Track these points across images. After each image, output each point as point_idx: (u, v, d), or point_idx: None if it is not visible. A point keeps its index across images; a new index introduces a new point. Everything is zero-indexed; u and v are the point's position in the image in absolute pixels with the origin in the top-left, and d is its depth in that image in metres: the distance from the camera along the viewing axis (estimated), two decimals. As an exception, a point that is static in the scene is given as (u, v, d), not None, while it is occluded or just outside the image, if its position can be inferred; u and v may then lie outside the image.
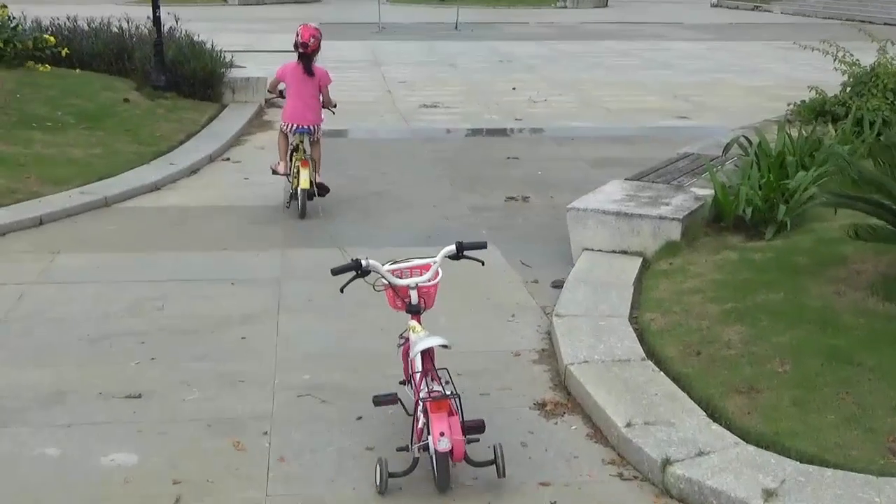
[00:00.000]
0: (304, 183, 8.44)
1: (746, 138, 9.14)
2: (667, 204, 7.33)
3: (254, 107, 14.52)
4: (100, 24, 16.09)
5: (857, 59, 12.19)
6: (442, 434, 3.93)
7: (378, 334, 5.72)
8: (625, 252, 7.08)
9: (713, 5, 56.38)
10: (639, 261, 6.89)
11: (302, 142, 8.72)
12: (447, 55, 23.96)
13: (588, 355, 5.25)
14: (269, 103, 14.93)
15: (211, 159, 10.97)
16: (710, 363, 5.06)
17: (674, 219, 6.97)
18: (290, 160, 8.74)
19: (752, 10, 50.98)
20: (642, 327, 5.68)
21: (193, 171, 10.42)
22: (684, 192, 7.74)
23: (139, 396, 5.01)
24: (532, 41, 29.20)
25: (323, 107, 8.80)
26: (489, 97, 16.58)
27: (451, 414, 4.03)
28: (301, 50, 8.52)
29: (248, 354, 5.63)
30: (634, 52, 25.57)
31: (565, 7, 51.58)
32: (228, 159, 11.10)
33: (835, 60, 11.95)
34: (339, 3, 57.31)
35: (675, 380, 4.94)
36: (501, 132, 13.34)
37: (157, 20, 14.20)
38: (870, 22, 40.45)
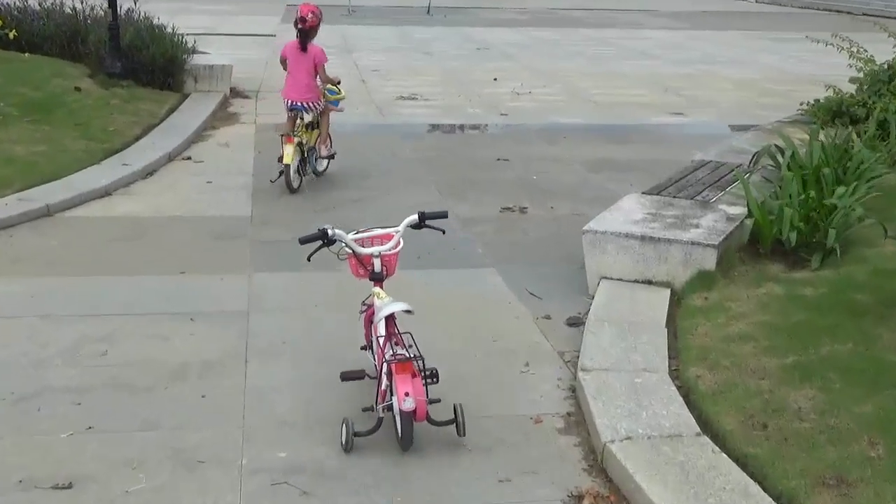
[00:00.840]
0: (286, 158, 8.47)
1: (778, 147, 8.19)
2: (696, 225, 6.37)
3: (218, 97, 13.41)
4: (52, 4, 14.85)
5: (872, 55, 11.26)
6: (406, 394, 4.09)
7: (366, 387, 4.70)
8: (649, 282, 6.12)
9: (686, -7, 55.47)
10: (667, 293, 5.94)
11: (300, 119, 8.84)
12: (421, 42, 22.88)
13: (629, 428, 4.28)
14: (234, 93, 13.86)
15: (170, 158, 9.87)
16: (781, 441, 4.11)
17: (708, 245, 6.01)
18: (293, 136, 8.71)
19: (728, -2, 50.07)
20: (688, 386, 4.72)
21: (150, 172, 9.31)
22: (713, 210, 6.78)
23: (69, 486, 3.97)
24: (507, 27, 28.19)
25: (325, 83, 8.91)
26: (469, 88, 15.56)
27: (414, 375, 4.17)
28: (299, 25, 8.54)
29: (210, 420, 4.60)
30: (613, 41, 24.65)
31: (540, -8, 50.37)
32: (189, 158, 9.99)
33: (850, 57, 10.98)
34: (305, -15, 56.01)
35: (742, 464, 3.99)
36: (486, 128, 12.32)
37: (111, 2, 12.99)
38: (848, 12, 39.89)
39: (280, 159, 8.57)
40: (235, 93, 14.29)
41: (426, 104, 13.97)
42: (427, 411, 4.22)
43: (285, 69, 8.90)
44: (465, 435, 4.35)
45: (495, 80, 16.69)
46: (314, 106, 8.84)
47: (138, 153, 9.74)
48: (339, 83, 9.13)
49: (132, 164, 9.23)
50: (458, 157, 10.41)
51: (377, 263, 4.58)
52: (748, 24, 31.44)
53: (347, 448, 4.30)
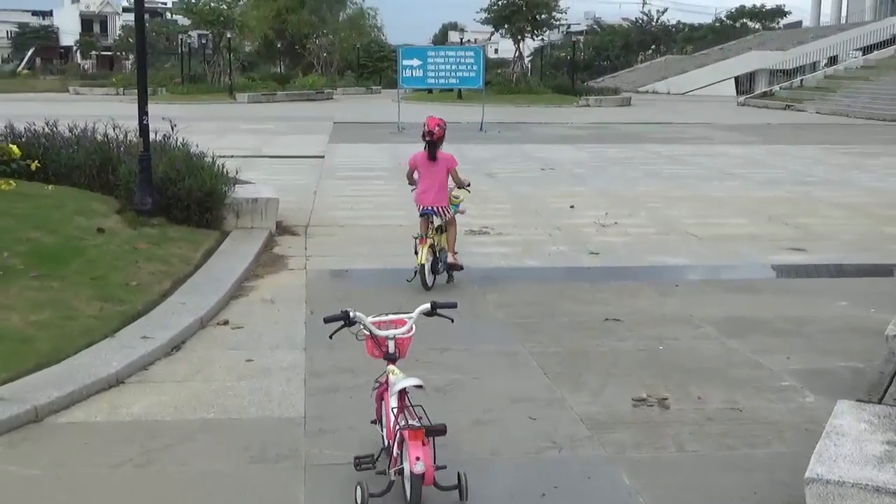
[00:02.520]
0: (421, 258, 9.11)
1: None
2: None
3: (262, 235, 11.61)
4: (83, 128, 13.31)
5: None
6: (417, 458, 4.50)
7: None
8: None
9: (740, 104, 54.29)
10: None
11: (431, 223, 9.35)
12: (480, 162, 21.19)
13: None
14: (281, 229, 12.07)
15: (202, 324, 7.95)
16: None
17: None
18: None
19: (784, 108, 48.77)
20: None
21: (176, 346, 7.38)
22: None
23: None
24: (566, 144, 26.60)
25: (458, 187, 9.45)
26: (545, 219, 13.67)
27: (424, 444, 4.57)
28: (428, 138, 9.18)
29: None
30: (685, 158, 22.84)
31: (588, 106, 49.54)
32: (227, 323, 8.07)
33: None
34: (350, 101, 55.30)
35: None
36: (580, 273, 10.33)
37: (143, 129, 11.36)
38: (919, 123, 37.97)
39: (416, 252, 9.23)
40: (282, 228, 12.52)
41: (500, 239, 12.07)
42: (434, 476, 4.57)
43: (409, 180, 9.70)
44: (467, 500, 4.73)
45: (572, 207, 14.84)
46: (445, 211, 9.33)
47: (163, 318, 7.82)
48: (469, 185, 9.71)
49: (154, 336, 7.31)
50: (556, 317, 8.40)
51: (391, 345, 5.03)
52: (821, 138, 29.60)
53: None
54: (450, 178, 9.31)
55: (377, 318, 5.10)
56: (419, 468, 4.48)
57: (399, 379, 4.84)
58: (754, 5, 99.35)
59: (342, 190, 16.62)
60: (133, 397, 6.27)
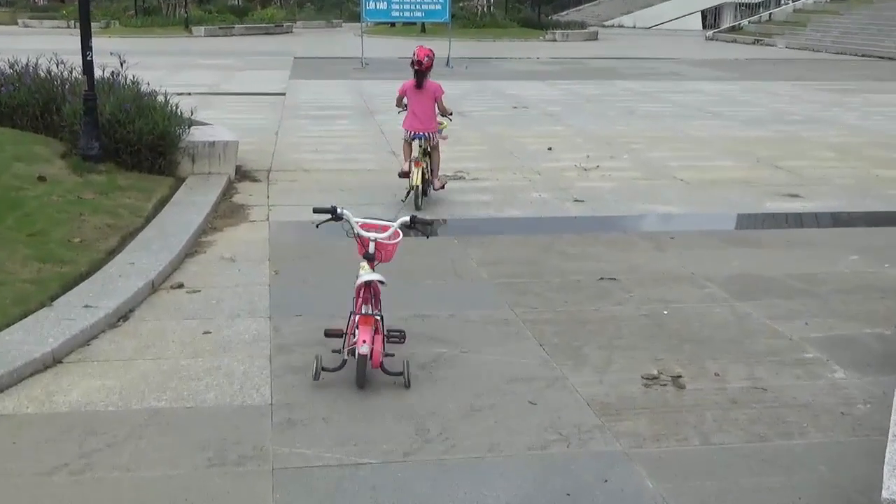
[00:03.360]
0: (415, 180, 9.68)
1: None
2: None
3: (220, 182, 10.70)
4: (24, 64, 12.22)
5: None
6: (364, 342, 5.15)
7: None
8: None
9: (708, 39, 53.42)
10: None
11: (421, 147, 9.81)
12: (449, 99, 20.05)
13: None
14: (241, 175, 11.15)
15: (153, 288, 7.09)
16: None
17: None
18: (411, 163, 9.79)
19: (753, 43, 47.98)
20: None
21: (122, 316, 6.51)
22: None
23: None
24: (538, 80, 25.67)
25: (441, 115, 9.99)
26: (523, 161, 12.85)
27: (376, 332, 5.25)
28: (416, 67, 9.66)
29: None
30: (661, 95, 22.04)
31: (555, 40, 48.41)
32: (181, 286, 7.21)
33: None
34: (311, 35, 53.69)
35: None
36: (567, 224, 9.55)
37: (87, 66, 10.32)
38: (889, 58, 37.40)
39: (402, 175, 10.00)
40: (242, 174, 11.60)
41: (478, 186, 11.24)
42: (382, 362, 5.28)
43: (399, 105, 10.13)
44: (409, 387, 5.31)
45: (550, 149, 14.02)
46: (432, 136, 9.92)
47: (109, 282, 6.94)
48: (451, 114, 10.26)
49: (98, 305, 6.43)
50: (546, 276, 7.63)
51: (371, 246, 5.50)
52: (796, 74, 28.88)
53: (316, 377, 5.32)
54: (436, 105, 9.87)
55: (365, 221, 5.64)
56: (364, 350, 5.15)
57: (364, 274, 5.42)
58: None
59: (306, 130, 15.67)
60: (72, 381, 5.43)
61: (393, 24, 46.30)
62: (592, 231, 9.22)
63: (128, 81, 12.05)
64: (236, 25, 52.67)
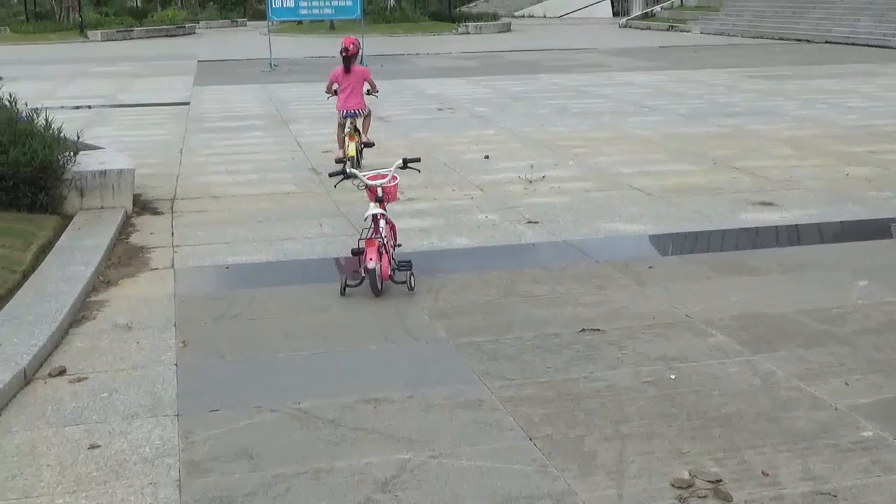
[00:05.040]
0: (350, 151, 11.23)
1: None
2: None
3: (116, 218, 9.15)
4: None
5: None
6: (370, 259, 6.63)
7: None
8: None
9: (622, 26, 52.92)
10: None
11: (354, 123, 11.38)
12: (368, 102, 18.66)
13: None
14: (139, 206, 9.58)
15: (26, 378, 5.53)
16: None
17: None
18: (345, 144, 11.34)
19: (668, 30, 47.53)
20: None
21: (-18, 424, 4.94)
22: None
23: None
24: (458, 77, 24.43)
25: (367, 93, 11.71)
26: (460, 174, 11.52)
27: (380, 253, 6.72)
28: (344, 54, 11.29)
29: None
30: (589, 90, 20.97)
31: (468, 33, 47.32)
32: (63, 372, 5.68)
33: None
34: (215, 35, 51.67)
35: None
36: (526, 254, 8.23)
37: (-55, 89, 8.61)
38: (807, 41, 37.05)
39: (338, 160, 11.28)
40: (142, 205, 10.05)
41: (414, 208, 9.87)
42: (391, 275, 6.87)
43: (328, 91, 11.75)
44: (413, 290, 6.90)
45: (487, 158, 12.72)
46: (362, 111, 11.53)
47: (-33, 373, 5.35)
48: (378, 92, 12.05)
49: (-52, 413, 4.85)
50: (516, 329, 6.31)
51: (379, 191, 7.01)
52: (722, 62, 28.17)
53: (342, 292, 6.89)
54: (365, 84, 11.60)
55: (369, 174, 7.20)
56: (371, 265, 6.61)
57: (371, 208, 6.90)
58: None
59: (213, 146, 14.08)
60: None
61: (300, 22, 44.54)
62: (557, 262, 7.91)
63: (3, 101, 10.34)
64: (135, 28, 50.38)
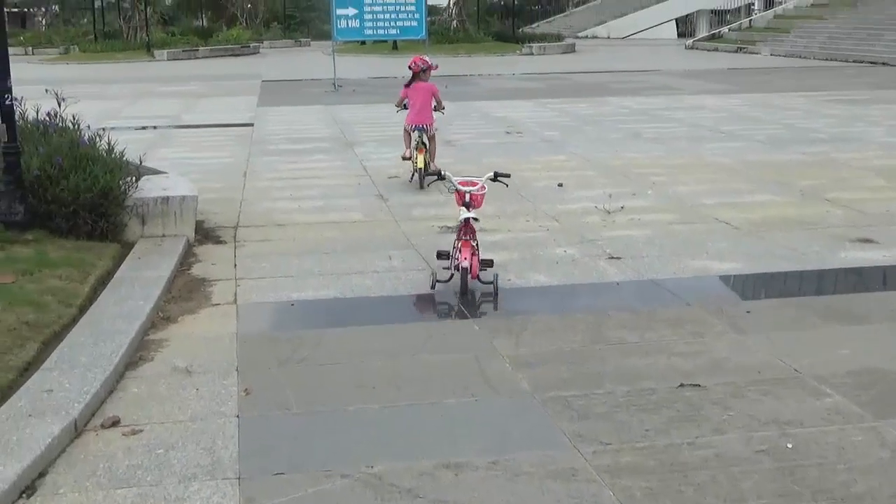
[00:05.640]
0: (419, 163, 11.59)
1: None
2: None
3: (177, 246, 8.78)
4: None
5: None
6: (465, 258, 7.22)
7: None
8: None
9: (688, 47, 51.99)
10: None
11: (421, 136, 11.73)
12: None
13: None
14: (201, 234, 9.19)
15: (77, 429, 5.08)
16: None
17: None
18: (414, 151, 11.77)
19: (736, 52, 46.50)
20: None
21: (27, 488, 4.52)
22: None
23: None
24: (525, 100, 23.91)
25: (435, 109, 12.10)
26: (534, 203, 10.99)
27: (472, 253, 7.30)
28: (413, 69, 11.98)
29: None
30: (663, 113, 20.28)
31: (532, 54, 46.75)
32: (117, 423, 5.25)
33: None
34: (278, 55, 51.79)
35: None
36: (611, 294, 7.69)
37: (6, 113, 8.32)
38: (883, 63, 35.93)
39: (404, 158, 12.12)
40: (204, 233, 9.67)
41: (488, 239, 9.31)
42: (478, 274, 7.39)
43: (398, 105, 12.28)
44: (497, 294, 7.35)
45: (561, 185, 12.16)
46: (430, 128, 11.87)
47: (14, 426, 4.97)
48: (444, 109, 12.48)
49: (-8, 471, 4.42)
50: (607, 382, 5.77)
51: (467, 196, 7.53)
52: (795, 84, 27.30)
53: (432, 287, 7.47)
54: (433, 100, 12.00)
55: (461, 179, 7.76)
56: (465, 264, 7.24)
57: (463, 213, 7.45)
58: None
59: (278, 170, 13.72)
60: None
61: (363, 42, 44.42)
62: (645, 304, 7.32)
63: (67, 123, 10.06)
64: (200, 48, 50.70)
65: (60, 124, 10.06)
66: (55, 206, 8.69)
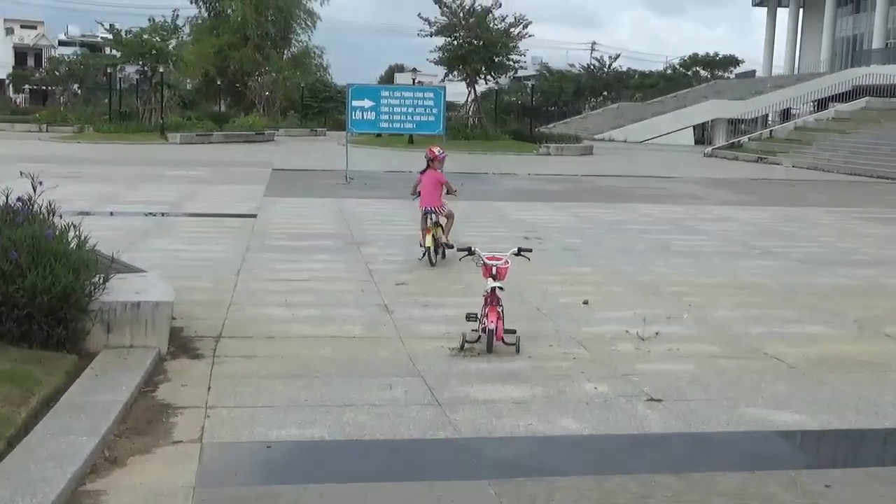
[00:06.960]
0: (427, 242, 12.51)
1: None
2: None
3: (145, 360, 7.54)
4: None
5: None
6: (491, 321, 8.24)
7: None
8: None
9: (707, 155, 51.36)
10: None
11: (433, 219, 12.61)
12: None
13: None
14: (176, 344, 7.91)
15: None
16: None
17: None
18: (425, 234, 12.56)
19: (757, 161, 45.73)
20: None
21: None
22: None
23: None
24: (544, 202, 22.89)
25: (447, 193, 13.13)
26: (557, 323, 9.75)
27: (498, 317, 8.31)
28: (429, 157, 13.05)
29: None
30: (688, 224, 19.18)
31: (549, 154, 46.09)
32: None
33: None
34: (293, 143, 51.29)
35: None
36: (653, 451, 6.38)
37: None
38: (910, 180, 34.95)
39: (422, 246, 12.75)
40: (180, 343, 8.42)
41: (504, 368, 8.10)
42: (503, 337, 8.35)
43: (413, 192, 13.31)
44: (519, 352, 8.32)
45: (586, 303, 10.88)
46: (441, 210, 12.87)
47: None
48: (456, 191, 13.49)
49: None
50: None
51: (493, 270, 8.54)
52: (823, 199, 26.37)
53: (462, 347, 8.35)
54: (444, 187, 12.96)
55: (488, 255, 8.76)
56: (491, 326, 8.25)
57: (490, 282, 8.49)
58: (707, 53, 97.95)
59: (275, 269, 12.52)
60: None
61: (379, 135, 43.77)
62: (698, 467, 5.99)
63: (41, 211, 8.90)
64: (215, 132, 50.26)
65: (33, 211, 8.89)
66: (6, 307, 7.46)
